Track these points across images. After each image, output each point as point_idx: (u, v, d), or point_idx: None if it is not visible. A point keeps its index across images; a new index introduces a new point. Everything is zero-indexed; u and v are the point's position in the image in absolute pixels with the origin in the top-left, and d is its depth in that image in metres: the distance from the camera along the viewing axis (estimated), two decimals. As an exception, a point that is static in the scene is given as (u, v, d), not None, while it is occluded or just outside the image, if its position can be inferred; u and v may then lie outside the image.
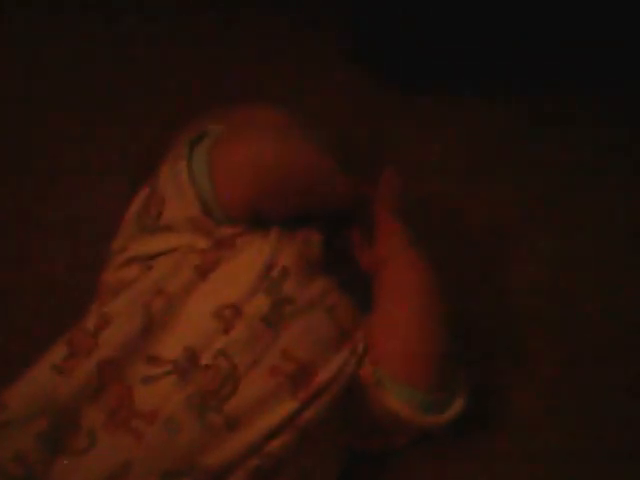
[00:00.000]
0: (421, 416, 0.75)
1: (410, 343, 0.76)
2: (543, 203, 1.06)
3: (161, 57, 1.19)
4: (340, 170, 0.82)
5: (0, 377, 0.69)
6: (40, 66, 1.17)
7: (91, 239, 0.95)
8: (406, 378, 0.75)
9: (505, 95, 1.15)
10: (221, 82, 1.15)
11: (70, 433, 0.66)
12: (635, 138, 1.13)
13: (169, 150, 0.81)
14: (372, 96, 1.15)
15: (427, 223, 0.94)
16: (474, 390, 0.79)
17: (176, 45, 1.20)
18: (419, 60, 1.15)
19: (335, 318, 0.76)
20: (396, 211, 0.84)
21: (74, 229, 0.98)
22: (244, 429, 0.67)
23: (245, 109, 0.89)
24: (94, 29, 1.21)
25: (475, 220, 1.03)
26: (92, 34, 1.21)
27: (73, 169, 1.04)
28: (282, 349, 0.71)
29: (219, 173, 0.75)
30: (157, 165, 0.80)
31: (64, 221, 0.99)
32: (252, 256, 0.76)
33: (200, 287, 0.73)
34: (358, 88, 1.17)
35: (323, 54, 1.20)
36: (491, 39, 1.12)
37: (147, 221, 0.78)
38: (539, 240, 1.02)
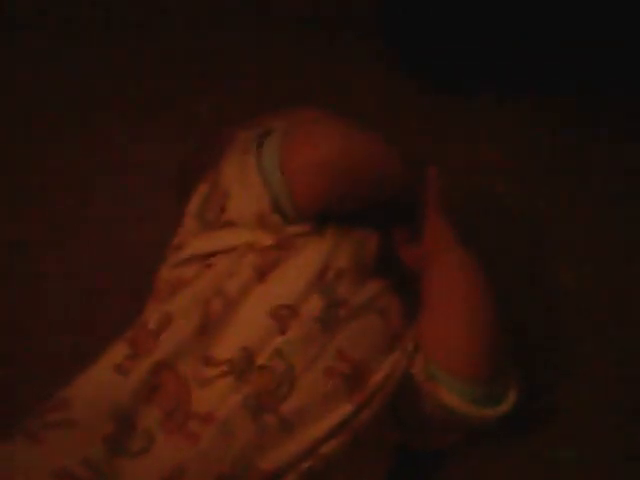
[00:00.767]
0: (475, 409, 0.75)
1: (462, 337, 0.76)
2: (591, 204, 1.06)
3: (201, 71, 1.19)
4: (398, 151, 0.81)
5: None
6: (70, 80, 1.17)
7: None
8: (460, 371, 0.75)
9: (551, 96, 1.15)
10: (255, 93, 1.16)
11: (128, 434, 0.65)
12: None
13: (226, 147, 0.81)
14: (412, 96, 1.16)
15: (473, 221, 0.93)
16: (524, 388, 0.79)
17: (209, 60, 1.21)
18: (464, 62, 1.15)
19: (387, 320, 0.76)
20: (441, 209, 0.84)
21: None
22: (299, 432, 0.67)
23: (294, 111, 0.88)
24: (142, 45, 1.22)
25: (523, 219, 1.03)
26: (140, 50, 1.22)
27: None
28: (337, 350, 0.71)
29: (292, 169, 0.75)
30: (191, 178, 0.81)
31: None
32: (309, 257, 0.75)
33: (258, 287, 0.73)
34: (396, 89, 1.17)
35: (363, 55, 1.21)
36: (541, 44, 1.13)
37: (209, 216, 0.78)
38: (586, 239, 1.01)
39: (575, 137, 1.12)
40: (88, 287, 0.94)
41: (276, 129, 0.79)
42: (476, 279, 0.79)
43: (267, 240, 0.75)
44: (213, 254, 0.76)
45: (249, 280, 0.73)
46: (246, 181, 0.76)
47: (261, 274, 0.74)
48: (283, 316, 0.71)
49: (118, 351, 0.69)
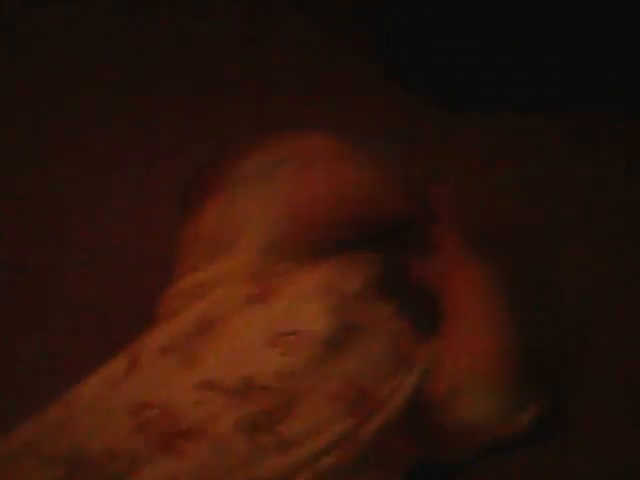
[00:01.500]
0: (496, 422, 0.75)
1: (484, 352, 0.77)
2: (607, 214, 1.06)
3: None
4: (398, 185, 0.86)
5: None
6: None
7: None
8: (483, 371, 0.75)
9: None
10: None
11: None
12: None
13: (233, 165, 0.84)
14: (420, 112, 1.17)
15: (487, 236, 0.93)
16: (547, 401, 0.78)
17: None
18: (467, 78, 1.16)
19: (395, 343, 0.75)
20: (455, 226, 0.86)
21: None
22: (297, 448, 0.66)
23: (296, 138, 0.89)
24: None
25: (537, 234, 1.03)
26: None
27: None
28: (342, 374, 0.70)
29: (292, 205, 0.80)
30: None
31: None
32: (315, 281, 0.77)
33: (256, 312, 0.74)
34: (404, 107, 1.18)
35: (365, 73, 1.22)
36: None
37: (220, 245, 0.80)
38: (604, 248, 1.02)
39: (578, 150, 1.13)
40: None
41: (287, 161, 0.82)
42: (493, 291, 0.81)
43: (262, 270, 0.78)
44: (210, 282, 0.77)
45: (246, 304, 0.74)
46: (249, 211, 0.80)
47: (258, 300, 0.75)
48: (285, 339, 0.71)
49: (116, 366, 0.71)
